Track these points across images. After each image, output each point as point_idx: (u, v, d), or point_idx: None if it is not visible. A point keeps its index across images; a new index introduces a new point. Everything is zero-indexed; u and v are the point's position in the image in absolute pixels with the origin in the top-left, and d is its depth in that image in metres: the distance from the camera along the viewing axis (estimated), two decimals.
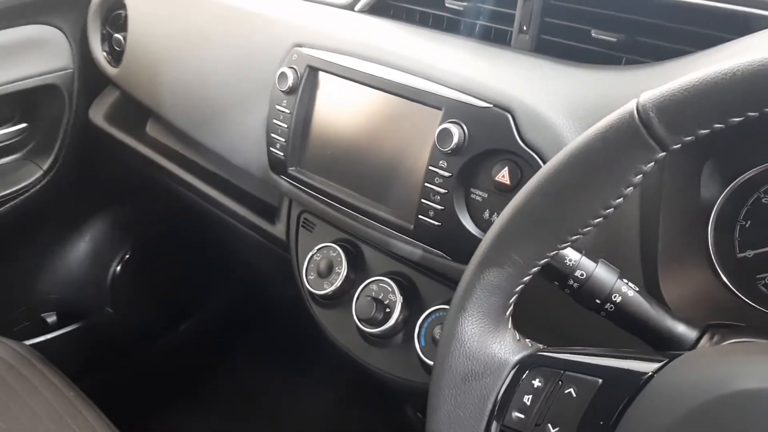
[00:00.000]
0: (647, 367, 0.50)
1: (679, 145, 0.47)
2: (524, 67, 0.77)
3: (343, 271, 0.93)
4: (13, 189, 1.38)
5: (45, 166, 1.41)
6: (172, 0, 1.18)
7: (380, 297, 0.88)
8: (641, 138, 0.47)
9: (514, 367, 0.53)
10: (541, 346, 0.55)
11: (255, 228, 1.11)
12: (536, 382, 0.52)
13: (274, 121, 0.94)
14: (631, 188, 0.49)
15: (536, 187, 0.52)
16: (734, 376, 0.46)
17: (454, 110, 0.76)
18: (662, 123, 0.46)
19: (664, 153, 0.47)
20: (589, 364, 0.51)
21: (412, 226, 0.81)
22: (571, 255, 0.58)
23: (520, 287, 0.54)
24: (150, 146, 1.31)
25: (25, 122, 1.40)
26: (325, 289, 0.93)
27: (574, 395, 0.50)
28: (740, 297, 0.69)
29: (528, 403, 0.51)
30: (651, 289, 0.66)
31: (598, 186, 0.49)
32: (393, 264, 0.92)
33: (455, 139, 0.74)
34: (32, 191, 1.40)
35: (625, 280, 0.58)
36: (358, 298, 0.90)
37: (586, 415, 0.49)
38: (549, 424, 0.50)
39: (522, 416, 0.51)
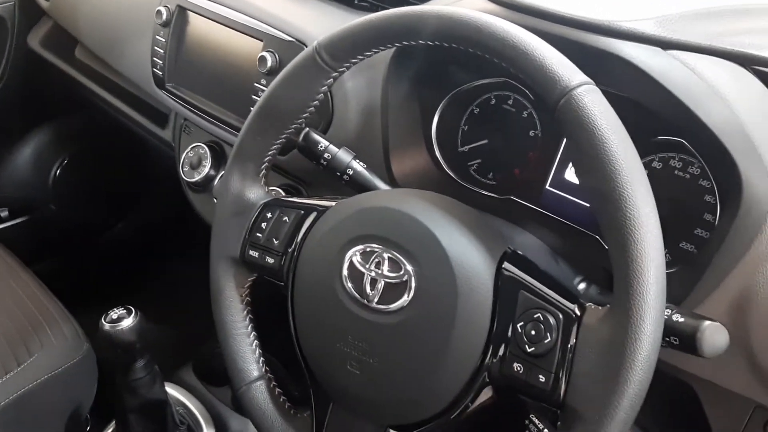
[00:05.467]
0: (334, 202, 0.80)
1: (343, 69, 0.76)
2: (323, 12, 1.05)
3: (208, 164, 1.22)
4: None
5: None
6: None
7: None
8: (318, 65, 0.76)
9: (259, 208, 0.83)
10: (283, 194, 0.86)
11: (151, 133, 1.40)
12: (269, 215, 0.82)
13: (155, 47, 1.21)
14: (321, 95, 0.79)
15: (267, 95, 0.81)
16: (376, 200, 0.76)
17: (270, 42, 1.04)
18: (328, 55, 0.75)
19: (335, 73, 0.77)
20: (301, 203, 0.82)
21: None
22: (322, 142, 0.88)
23: (267, 158, 0.84)
24: (76, 68, 1.57)
25: None
26: (195, 178, 1.23)
27: (288, 221, 0.81)
28: (451, 175, 1.00)
29: (264, 227, 0.82)
30: (387, 167, 0.97)
31: (300, 94, 0.79)
32: None
33: (269, 63, 1.03)
34: None
35: (358, 161, 0.88)
36: (216, 184, 1.20)
37: (293, 232, 0.80)
38: (273, 238, 0.81)
39: (260, 235, 0.82)
